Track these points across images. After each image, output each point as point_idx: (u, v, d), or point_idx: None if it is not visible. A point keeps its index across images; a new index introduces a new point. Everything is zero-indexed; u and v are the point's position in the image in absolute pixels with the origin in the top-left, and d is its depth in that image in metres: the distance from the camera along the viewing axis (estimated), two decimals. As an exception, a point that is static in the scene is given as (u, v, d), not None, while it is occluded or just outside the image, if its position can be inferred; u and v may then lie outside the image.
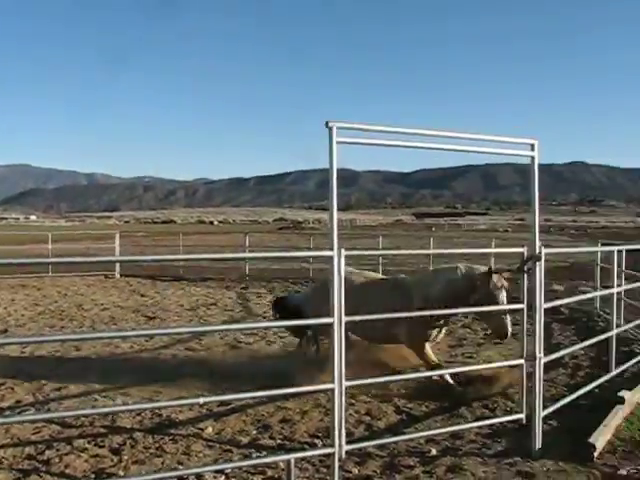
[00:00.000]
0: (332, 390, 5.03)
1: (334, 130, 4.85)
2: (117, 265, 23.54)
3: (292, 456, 5.07)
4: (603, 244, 17.01)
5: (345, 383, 5.08)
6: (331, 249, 4.98)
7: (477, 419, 7.08)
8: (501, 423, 6.67)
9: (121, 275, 23.30)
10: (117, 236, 25.19)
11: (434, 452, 6.19)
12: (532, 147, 5.89)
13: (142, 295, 18.46)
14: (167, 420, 7.20)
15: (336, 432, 5.04)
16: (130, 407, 6.99)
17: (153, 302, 17.07)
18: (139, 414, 7.41)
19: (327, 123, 4.83)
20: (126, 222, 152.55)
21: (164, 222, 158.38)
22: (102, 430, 6.85)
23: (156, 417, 7.30)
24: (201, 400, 4.92)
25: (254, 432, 6.85)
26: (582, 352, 10.13)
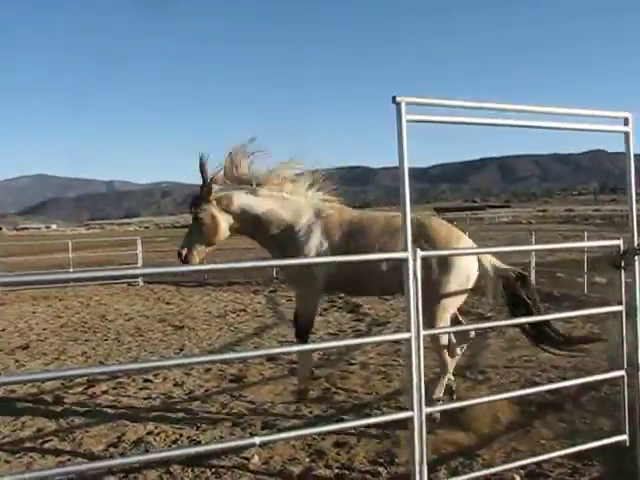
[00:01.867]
0: (411, 418, 4.19)
1: (403, 106, 4.02)
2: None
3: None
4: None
5: (426, 409, 4.23)
6: (405, 250, 4.13)
7: (557, 437, 6.21)
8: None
9: (144, 282, 22.52)
10: (139, 242, 24.53)
11: (518, 479, 5.34)
12: (625, 121, 4.99)
13: (167, 303, 17.67)
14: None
15: (416, 468, 4.18)
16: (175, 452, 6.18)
17: (179, 310, 16.30)
18: (174, 441, 6.63)
19: (394, 98, 4.00)
20: (146, 228, 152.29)
21: (184, 226, 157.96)
22: (134, 463, 6.06)
23: (194, 445, 6.50)
24: (257, 440, 3.99)
25: (307, 460, 6.00)
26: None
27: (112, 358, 10.90)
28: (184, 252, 7.24)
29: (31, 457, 6.31)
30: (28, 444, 6.75)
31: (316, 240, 7.35)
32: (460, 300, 7.18)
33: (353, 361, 10.00)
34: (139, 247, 24.41)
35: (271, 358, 10.22)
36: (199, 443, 6.55)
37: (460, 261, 6.85)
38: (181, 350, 11.37)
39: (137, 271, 12.88)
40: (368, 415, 7.19)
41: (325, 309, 15.37)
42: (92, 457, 6.24)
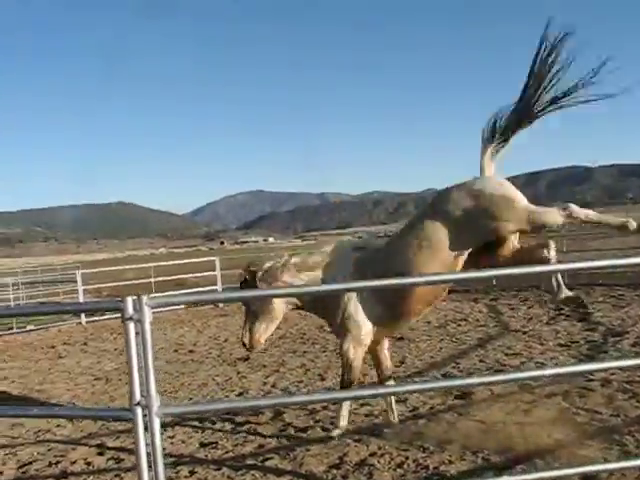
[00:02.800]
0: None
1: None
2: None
3: None
4: None
5: None
6: None
7: None
8: None
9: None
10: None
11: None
12: None
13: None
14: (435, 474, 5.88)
15: None
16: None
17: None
18: (400, 465, 6.17)
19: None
20: (359, 237, 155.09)
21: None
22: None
23: (421, 469, 6.00)
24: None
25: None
26: None
27: (331, 371, 10.72)
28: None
29: (253, 475, 6.17)
30: (250, 461, 6.65)
31: None
32: None
33: (591, 376, 9.00)
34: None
35: (499, 373, 9.52)
36: (426, 468, 6.03)
37: None
38: (402, 363, 10.94)
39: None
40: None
41: (552, 318, 14.30)
42: (314, 479, 5.96)
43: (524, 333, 12.77)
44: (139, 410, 3.66)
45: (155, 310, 3.55)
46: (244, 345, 7.33)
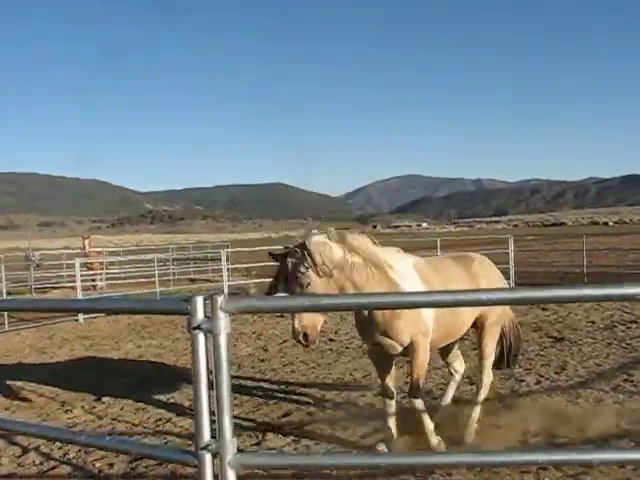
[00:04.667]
0: None
1: None
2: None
3: None
4: None
5: None
6: None
7: None
8: None
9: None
10: (511, 241, 23.11)
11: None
12: None
13: (543, 308, 15.60)
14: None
15: None
16: None
17: (557, 317, 14.34)
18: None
19: None
20: (515, 226, 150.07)
21: (554, 224, 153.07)
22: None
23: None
24: None
25: None
26: None
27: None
28: None
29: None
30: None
31: None
32: None
33: None
34: (511, 246, 22.97)
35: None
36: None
37: None
38: (563, 369, 9.58)
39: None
40: None
41: None
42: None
43: None
44: (207, 457, 2.65)
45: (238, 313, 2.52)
46: (299, 342, 5.60)
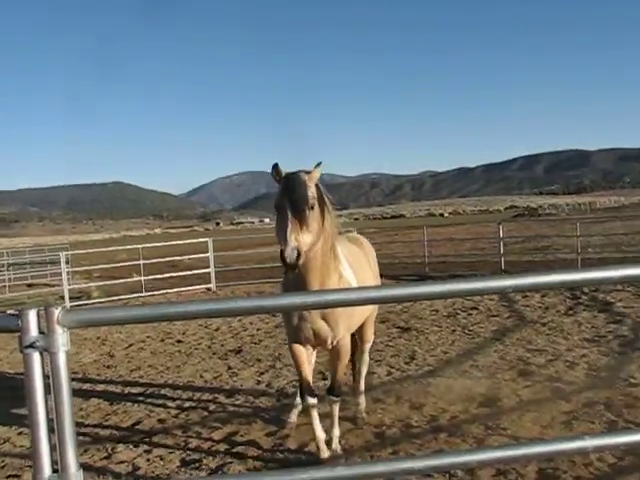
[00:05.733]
0: None
1: None
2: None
3: None
4: None
5: None
6: None
7: None
8: None
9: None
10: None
11: None
12: None
13: (388, 300, 15.95)
14: None
15: None
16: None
17: (402, 307, 14.61)
18: None
19: None
20: (355, 219, 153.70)
21: (393, 217, 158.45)
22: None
23: None
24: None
25: None
26: None
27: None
28: None
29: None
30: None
31: None
32: None
33: (634, 380, 7.83)
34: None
35: (525, 373, 8.38)
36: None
37: None
38: (412, 359, 9.76)
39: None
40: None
41: (570, 308, 13.12)
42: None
43: (543, 325, 11.63)
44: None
45: (79, 327, 2.09)
46: (290, 265, 4.78)
